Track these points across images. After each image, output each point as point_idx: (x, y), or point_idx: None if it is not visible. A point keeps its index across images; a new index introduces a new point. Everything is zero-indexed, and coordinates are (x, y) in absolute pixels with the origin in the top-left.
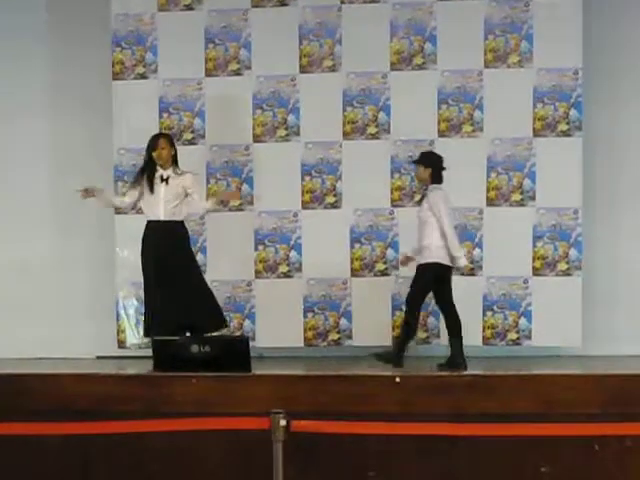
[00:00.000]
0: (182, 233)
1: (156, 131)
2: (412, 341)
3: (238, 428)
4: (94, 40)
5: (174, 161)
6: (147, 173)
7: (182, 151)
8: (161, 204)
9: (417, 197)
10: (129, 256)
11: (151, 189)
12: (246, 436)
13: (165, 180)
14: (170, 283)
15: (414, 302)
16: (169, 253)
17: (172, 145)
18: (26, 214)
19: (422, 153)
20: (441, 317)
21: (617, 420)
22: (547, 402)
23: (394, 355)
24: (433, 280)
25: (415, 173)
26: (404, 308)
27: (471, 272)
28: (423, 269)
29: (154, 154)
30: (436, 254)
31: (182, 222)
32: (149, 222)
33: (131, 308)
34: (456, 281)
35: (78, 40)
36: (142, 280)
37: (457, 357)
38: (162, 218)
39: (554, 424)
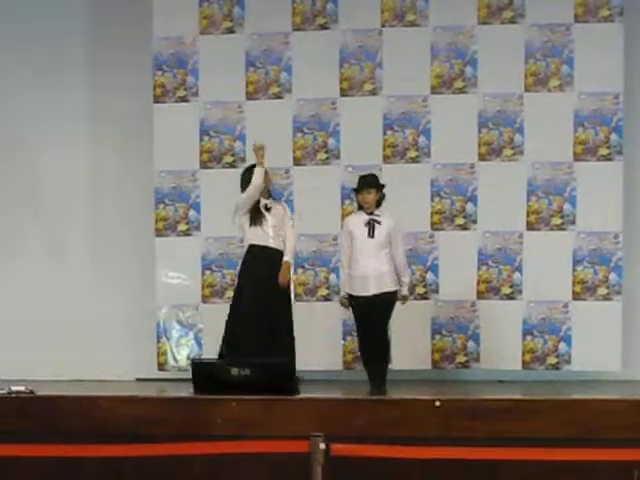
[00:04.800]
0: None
1: (197, 153)
2: None
3: (278, 451)
4: (135, 64)
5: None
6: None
7: (222, 174)
8: (270, 231)
9: (459, 221)
10: (170, 277)
11: (256, 218)
12: (286, 460)
13: (268, 209)
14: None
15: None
16: (272, 283)
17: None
18: (65, 235)
19: (373, 175)
20: (481, 342)
21: None
22: (586, 427)
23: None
24: None
25: (365, 198)
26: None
27: (510, 296)
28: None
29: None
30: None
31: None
32: (254, 246)
33: (172, 330)
34: (497, 305)
35: (119, 64)
36: (183, 302)
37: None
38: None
39: (593, 449)
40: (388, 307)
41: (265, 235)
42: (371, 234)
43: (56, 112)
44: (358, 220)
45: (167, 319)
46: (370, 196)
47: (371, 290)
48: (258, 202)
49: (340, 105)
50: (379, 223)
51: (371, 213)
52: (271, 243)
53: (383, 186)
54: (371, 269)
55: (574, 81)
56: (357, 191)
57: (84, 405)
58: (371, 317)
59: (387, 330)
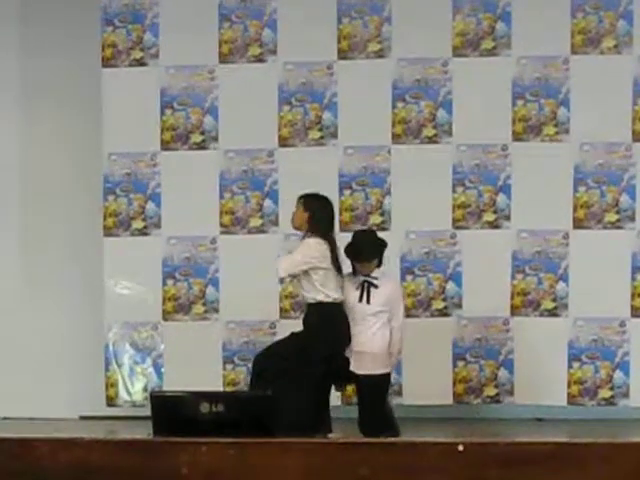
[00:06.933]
0: (307, 317)
1: (156, 131)
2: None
3: None
4: (78, 18)
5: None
6: None
7: (190, 157)
8: None
9: (488, 217)
10: (122, 288)
11: None
12: None
13: None
14: None
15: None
16: None
17: (306, 207)
18: None
19: (371, 236)
20: (515, 370)
21: None
22: None
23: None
24: None
25: (365, 267)
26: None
27: (553, 313)
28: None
29: None
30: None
31: (311, 303)
32: None
33: (124, 355)
34: (536, 324)
35: (58, 18)
36: (139, 320)
37: None
38: None
39: None
40: (379, 391)
41: None
42: (366, 300)
43: None
44: (351, 283)
45: (118, 341)
46: (372, 265)
47: (362, 369)
48: None
49: (338, 70)
50: (375, 287)
51: (367, 275)
52: None
53: (385, 246)
54: (363, 343)
55: (633, 41)
56: (353, 258)
57: (15, 449)
58: (361, 398)
59: (383, 410)
